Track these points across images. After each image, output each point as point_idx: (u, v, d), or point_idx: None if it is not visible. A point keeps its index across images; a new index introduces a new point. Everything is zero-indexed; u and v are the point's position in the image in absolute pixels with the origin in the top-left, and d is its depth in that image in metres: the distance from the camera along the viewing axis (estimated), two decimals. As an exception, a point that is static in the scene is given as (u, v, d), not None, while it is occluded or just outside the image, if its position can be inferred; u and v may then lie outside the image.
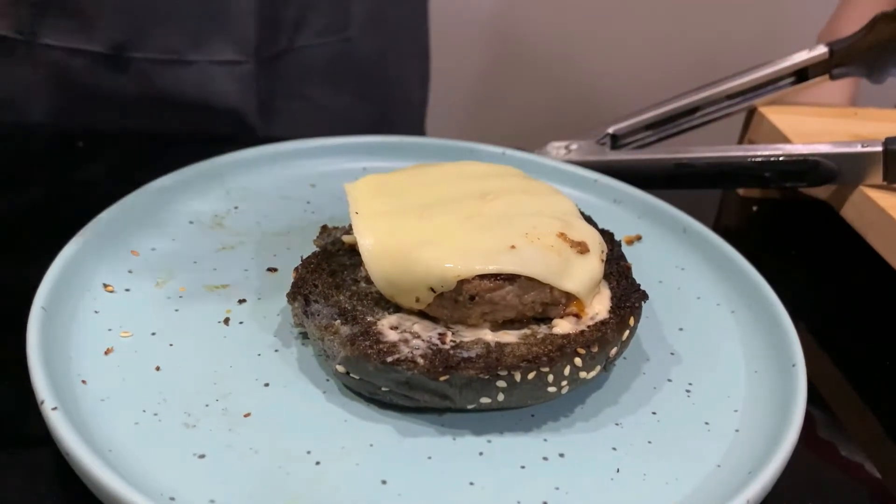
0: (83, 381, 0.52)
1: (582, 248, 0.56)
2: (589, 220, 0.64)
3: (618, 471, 0.50)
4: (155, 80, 0.93)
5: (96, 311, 0.58)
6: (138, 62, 0.92)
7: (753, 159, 0.77)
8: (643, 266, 0.69)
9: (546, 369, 0.51)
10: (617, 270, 0.60)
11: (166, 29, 0.91)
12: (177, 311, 0.59)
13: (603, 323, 0.55)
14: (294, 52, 0.99)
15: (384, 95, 1.12)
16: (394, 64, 1.12)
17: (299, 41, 0.99)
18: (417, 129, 1.21)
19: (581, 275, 0.55)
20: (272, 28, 0.96)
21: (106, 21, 0.89)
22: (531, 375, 0.51)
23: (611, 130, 0.86)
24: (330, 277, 0.58)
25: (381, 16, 1.06)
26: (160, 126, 0.95)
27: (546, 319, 0.55)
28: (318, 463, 0.49)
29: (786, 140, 0.82)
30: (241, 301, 0.61)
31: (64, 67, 0.91)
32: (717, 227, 0.73)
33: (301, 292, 0.57)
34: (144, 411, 0.51)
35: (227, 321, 0.59)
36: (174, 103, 0.95)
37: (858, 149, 0.74)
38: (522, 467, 0.50)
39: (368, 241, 0.54)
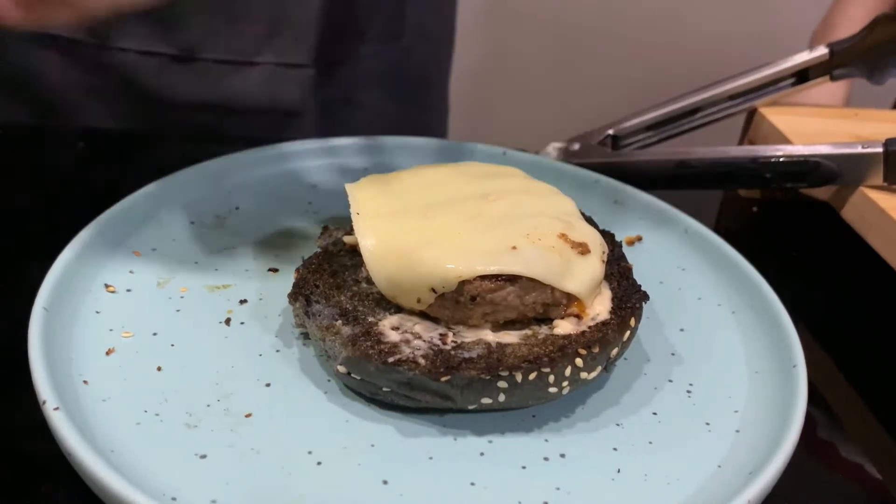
0: (85, 382, 0.52)
1: (583, 249, 0.56)
2: (590, 220, 0.64)
3: (619, 471, 0.50)
4: (221, 81, 0.96)
5: (98, 312, 0.58)
6: (206, 63, 0.94)
7: (754, 160, 0.77)
8: (644, 266, 0.69)
9: (547, 370, 0.51)
10: (618, 271, 0.60)
11: (235, 31, 0.93)
12: (178, 311, 0.60)
13: (604, 324, 0.55)
14: (355, 60, 1.02)
15: (430, 101, 1.16)
16: (437, 69, 1.16)
17: (361, 49, 1.01)
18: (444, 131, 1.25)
19: (582, 276, 0.55)
20: (334, 35, 0.98)
21: (182, 24, 0.91)
22: (532, 376, 0.51)
23: (611, 131, 0.86)
24: (331, 278, 0.58)
25: (428, 24, 1.09)
26: (220, 128, 0.97)
27: (547, 320, 0.55)
28: (319, 463, 0.49)
29: (786, 141, 0.82)
30: (243, 301, 0.61)
31: (132, 69, 0.93)
32: (718, 228, 0.73)
33: (302, 293, 0.57)
34: (146, 411, 0.51)
35: (228, 321, 0.59)
36: (237, 105, 0.97)
37: (859, 150, 0.74)
38: (523, 467, 0.50)
39: (370, 241, 0.54)
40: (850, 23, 0.87)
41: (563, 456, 0.51)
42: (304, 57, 0.97)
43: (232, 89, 0.96)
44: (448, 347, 0.52)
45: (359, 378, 0.52)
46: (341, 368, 0.52)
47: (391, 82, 1.06)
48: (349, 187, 0.62)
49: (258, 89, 0.97)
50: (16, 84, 0.94)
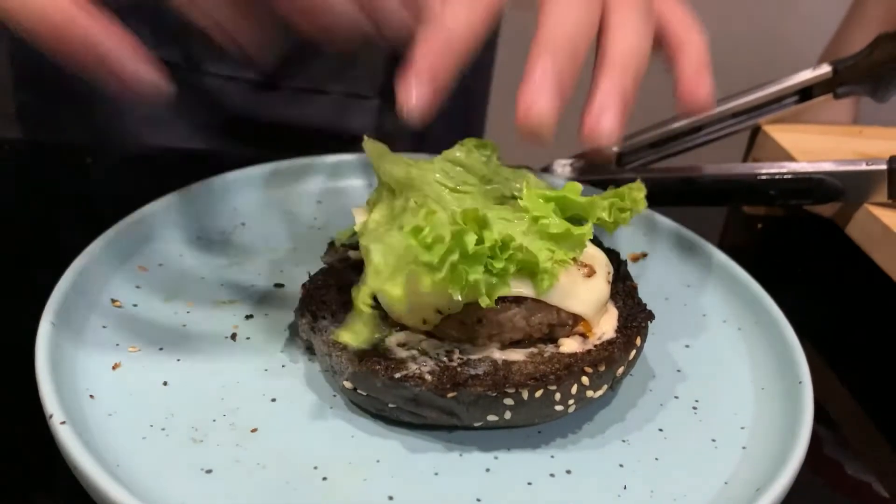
0: (91, 396, 0.52)
1: (589, 271, 0.56)
2: (595, 239, 0.64)
3: (625, 487, 0.50)
4: (295, 108, 1.02)
5: (104, 326, 0.58)
6: (284, 91, 1.01)
7: (758, 177, 0.77)
8: (649, 283, 0.70)
9: (553, 387, 0.51)
10: (623, 290, 0.60)
11: (313, 62, 0.99)
12: (184, 326, 0.60)
13: (610, 342, 0.55)
14: None
15: (475, 126, 1.23)
16: (485, 98, 1.25)
17: None
18: None
19: (588, 296, 0.55)
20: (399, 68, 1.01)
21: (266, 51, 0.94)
22: (539, 394, 0.51)
23: (616, 148, 0.86)
24: (337, 294, 0.58)
25: (482, 55, 1.13)
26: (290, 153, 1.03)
27: (554, 338, 0.55)
28: (325, 478, 0.49)
29: (790, 158, 0.82)
30: (249, 316, 0.61)
31: (217, 92, 0.99)
32: (723, 245, 0.73)
33: (309, 308, 0.57)
34: (152, 426, 0.51)
35: (234, 336, 0.59)
36: (308, 129, 1.02)
37: (863, 167, 0.74)
38: (529, 484, 0.50)
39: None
40: (856, 46, 0.87)
41: (569, 472, 0.51)
42: (370, 89, 1.03)
43: (304, 116, 1.02)
44: (454, 364, 0.52)
45: (365, 394, 0.52)
46: (347, 384, 0.52)
47: (453, 113, 1.11)
48: (355, 210, 0.62)
49: (325, 118, 1.03)
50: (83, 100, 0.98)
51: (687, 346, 0.63)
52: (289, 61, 0.99)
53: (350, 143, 0.99)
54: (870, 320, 0.76)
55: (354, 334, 0.50)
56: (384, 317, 0.55)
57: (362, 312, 0.49)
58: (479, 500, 0.48)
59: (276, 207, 0.76)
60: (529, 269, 0.52)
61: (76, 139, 0.97)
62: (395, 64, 0.97)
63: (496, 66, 1.88)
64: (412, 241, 0.47)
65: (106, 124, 0.99)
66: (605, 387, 0.54)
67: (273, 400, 0.54)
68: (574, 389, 0.52)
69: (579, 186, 0.58)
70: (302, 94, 1.02)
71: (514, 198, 0.59)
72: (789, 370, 0.59)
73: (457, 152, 0.63)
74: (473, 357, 0.53)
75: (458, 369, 0.51)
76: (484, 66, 1.19)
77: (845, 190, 0.75)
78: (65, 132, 1.01)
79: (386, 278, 0.50)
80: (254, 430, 0.51)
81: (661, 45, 0.66)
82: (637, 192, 0.57)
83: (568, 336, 0.55)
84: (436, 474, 0.50)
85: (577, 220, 0.58)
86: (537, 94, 0.53)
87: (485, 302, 0.49)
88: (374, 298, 0.54)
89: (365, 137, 0.67)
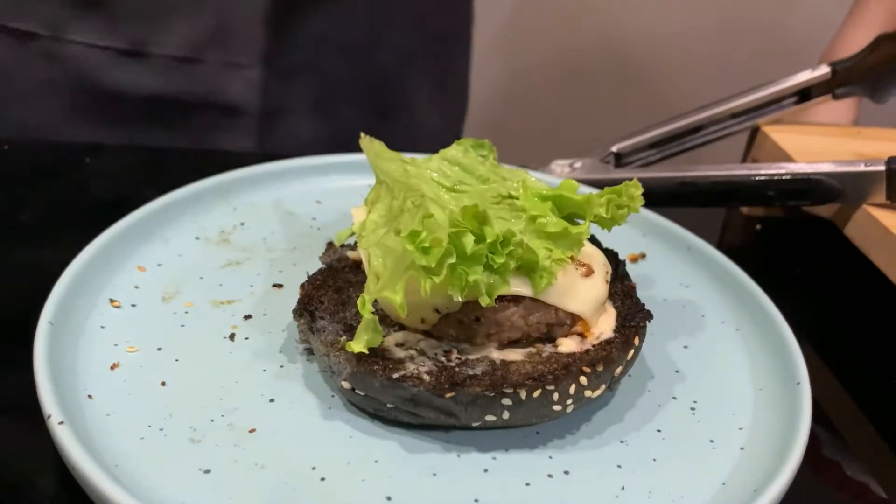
0: (89, 396, 0.52)
1: (587, 270, 0.56)
2: (593, 238, 0.65)
3: (623, 488, 0.50)
4: (169, 78, 0.97)
5: (103, 326, 0.58)
6: (156, 59, 0.96)
7: (757, 178, 0.77)
8: (648, 284, 0.70)
9: (551, 387, 0.51)
10: (621, 290, 0.61)
11: (183, 27, 0.95)
12: (183, 326, 0.60)
13: (608, 342, 0.55)
14: (315, 68, 1.02)
15: (401, 119, 1.15)
16: (413, 89, 1.15)
17: (322, 57, 1.02)
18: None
19: (586, 296, 0.55)
20: (286, 38, 0.99)
21: (126, 13, 0.93)
22: (537, 393, 0.51)
23: (615, 149, 0.86)
24: (336, 294, 0.58)
25: (407, 40, 1.09)
26: (164, 127, 0.98)
27: (552, 338, 0.55)
28: (323, 479, 0.49)
29: (789, 159, 0.82)
30: (247, 317, 0.61)
31: (84, 63, 0.94)
32: (721, 246, 0.74)
33: (307, 308, 0.57)
34: (150, 426, 0.51)
35: (232, 337, 0.59)
36: (183, 103, 0.98)
37: (862, 168, 0.74)
38: (527, 484, 0.50)
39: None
40: (855, 47, 0.87)
41: (567, 473, 0.51)
42: (249, 57, 0.98)
43: (179, 86, 0.98)
44: (452, 364, 0.52)
45: (363, 394, 0.52)
46: (346, 384, 0.52)
47: (361, 96, 1.07)
48: (353, 210, 0.62)
49: (203, 87, 0.99)
50: None
51: (685, 347, 0.63)
52: (158, 25, 0.94)
53: (230, 115, 0.97)
54: (868, 321, 0.76)
55: (364, 342, 0.50)
56: (382, 317, 0.55)
57: (368, 319, 0.49)
58: (476, 500, 0.48)
59: (274, 208, 0.76)
60: (528, 268, 0.52)
61: None
62: (279, 28, 0.95)
63: (500, 67, 1.88)
64: (409, 245, 0.47)
65: (18, 116, 0.97)
66: (604, 387, 0.54)
67: (271, 400, 0.54)
68: (572, 389, 0.52)
69: (576, 184, 0.58)
70: (174, 62, 0.97)
71: (512, 197, 0.59)
72: (787, 371, 0.59)
73: (454, 151, 0.64)
74: (471, 357, 0.53)
75: (457, 369, 0.51)
76: (403, 48, 1.12)
77: (844, 191, 0.75)
78: None
79: (385, 283, 0.50)
80: (252, 431, 0.51)
81: None
82: (634, 189, 0.57)
83: (566, 336, 0.55)
84: (434, 475, 0.50)
85: (575, 220, 0.59)
86: None
87: (485, 301, 0.49)
88: (374, 301, 0.54)
89: (362, 135, 0.67)
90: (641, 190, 0.58)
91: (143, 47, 0.95)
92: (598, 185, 0.81)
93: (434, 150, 0.64)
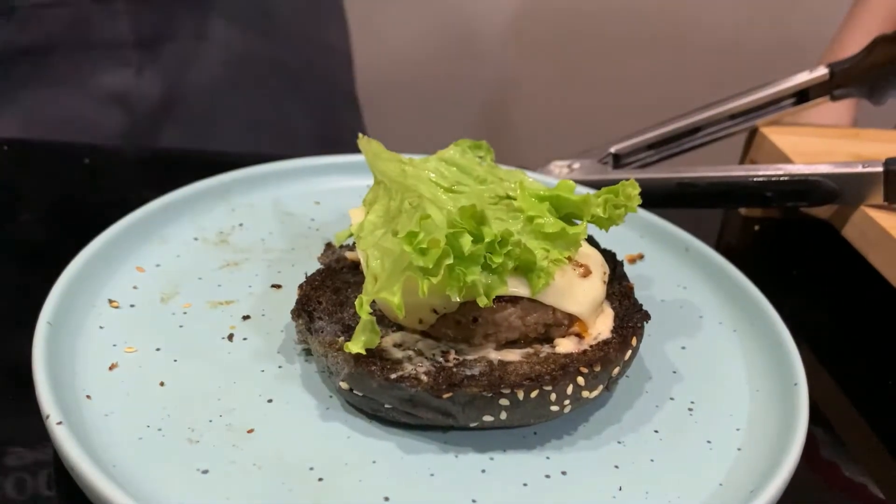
0: (88, 396, 0.52)
1: (584, 271, 0.56)
2: (591, 239, 0.65)
3: (620, 489, 0.50)
4: (41, 27, 0.96)
5: (101, 327, 0.58)
6: (18, 11, 0.95)
7: (755, 179, 0.77)
8: (645, 284, 0.70)
9: (549, 388, 0.51)
10: (619, 291, 0.61)
11: None
12: (181, 327, 0.60)
13: (605, 343, 0.55)
14: None
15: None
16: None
17: None
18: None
19: (583, 296, 0.55)
20: None
21: None
22: (534, 394, 0.51)
23: (613, 150, 0.87)
24: (334, 295, 0.59)
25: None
26: (49, 79, 0.98)
27: (549, 338, 0.55)
28: (320, 479, 0.49)
29: (787, 160, 0.82)
30: (246, 317, 0.61)
31: None
32: (719, 247, 0.74)
33: (305, 309, 0.57)
34: (148, 426, 0.51)
35: (231, 337, 0.59)
36: (60, 49, 0.98)
37: (859, 169, 0.74)
38: (525, 485, 0.50)
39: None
40: (855, 48, 0.87)
41: (564, 473, 0.51)
42: None
43: (53, 32, 0.97)
44: (450, 365, 0.52)
45: (361, 394, 0.52)
46: (343, 385, 0.52)
47: (239, 15, 1.08)
48: (352, 211, 0.62)
49: (73, 30, 0.98)
50: None
51: (683, 348, 0.63)
52: None
53: (110, 50, 0.97)
54: (866, 322, 0.76)
55: (362, 343, 0.50)
56: (380, 317, 0.56)
57: (366, 321, 0.50)
58: (474, 500, 0.49)
59: (273, 208, 0.76)
60: (525, 269, 0.53)
61: None
62: None
63: (508, 71, 1.88)
64: (407, 247, 0.47)
65: None
66: (601, 387, 0.54)
67: (269, 401, 0.54)
68: (570, 390, 0.52)
69: (573, 184, 0.58)
70: (39, 10, 0.96)
71: (509, 198, 0.59)
72: (785, 372, 0.59)
73: (451, 152, 0.64)
74: (469, 357, 0.53)
75: (454, 370, 0.52)
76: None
77: (841, 192, 0.75)
78: None
79: (383, 285, 0.50)
80: (250, 431, 0.51)
81: None
82: (631, 189, 0.58)
83: (564, 336, 0.55)
84: (431, 475, 0.50)
85: (572, 220, 0.59)
86: None
87: (483, 301, 0.49)
88: (372, 302, 0.54)
89: (360, 136, 0.67)
90: (638, 189, 0.58)
91: (7, 1, 0.94)
92: (597, 186, 0.80)
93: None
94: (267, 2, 1.12)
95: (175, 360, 0.56)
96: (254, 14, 1.10)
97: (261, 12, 1.11)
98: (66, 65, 0.99)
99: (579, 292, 0.55)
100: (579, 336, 0.55)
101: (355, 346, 0.49)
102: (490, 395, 0.50)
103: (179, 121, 1.06)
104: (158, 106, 1.05)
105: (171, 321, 0.60)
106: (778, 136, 0.87)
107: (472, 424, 0.52)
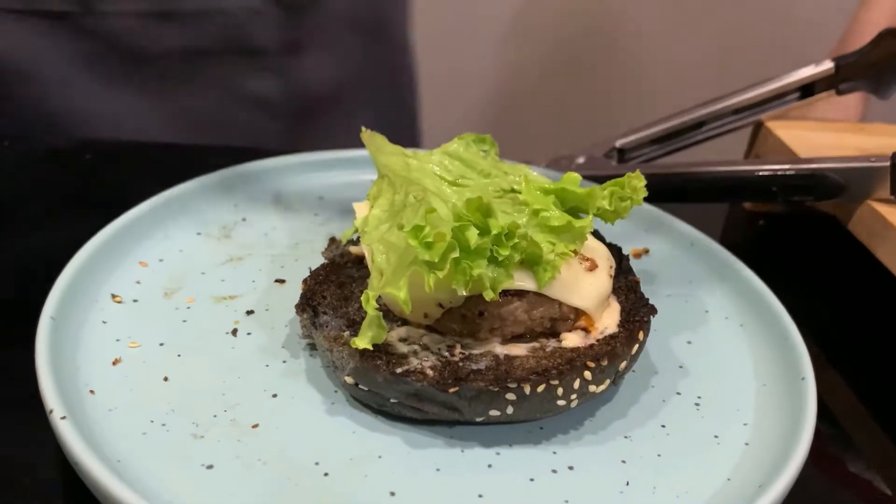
0: (91, 391, 0.52)
1: (591, 265, 0.56)
2: (596, 233, 0.64)
3: (627, 484, 0.50)
4: (197, 31, 1.01)
5: (104, 322, 0.58)
6: (182, 16, 1.00)
7: (760, 173, 0.77)
8: (651, 279, 0.69)
9: (555, 382, 0.51)
10: (625, 284, 0.60)
11: None
12: (185, 321, 0.59)
13: (612, 337, 0.55)
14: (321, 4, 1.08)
15: (393, 43, 1.23)
16: (396, 11, 1.22)
17: None
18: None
19: (590, 290, 0.55)
20: None
21: None
22: (541, 388, 0.50)
23: (618, 144, 0.86)
24: (338, 289, 0.58)
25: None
26: (195, 80, 1.02)
27: (555, 333, 0.55)
28: (326, 474, 0.48)
29: (792, 154, 0.82)
30: (249, 312, 0.61)
31: (116, 32, 0.98)
32: (724, 241, 0.73)
33: (310, 304, 0.57)
34: (152, 422, 0.50)
35: (234, 332, 0.59)
36: (211, 53, 1.02)
37: (866, 163, 0.74)
38: (531, 480, 0.50)
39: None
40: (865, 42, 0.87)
41: (571, 468, 0.51)
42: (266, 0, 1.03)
43: (205, 37, 1.01)
44: (456, 359, 0.52)
45: (366, 389, 0.52)
46: (349, 379, 0.52)
47: (353, 24, 1.13)
48: (356, 206, 0.62)
49: (229, 35, 1.03)
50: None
51: (689, 343, 0.63)
52: None
53: (254, 57, 1.02)
54: (872, 317, 0.76)
55: (369, 338, 0.50)
56: (385, 312, 0.55)
57: (372, 316, 0.49)
58: (480, 496, 0.48)
59: (276, 203, 0.76)
60: (531, 262, 0.52)
61: None
62: None
63: (502, 63, 1.89)
64: (413, 241, 0.47)
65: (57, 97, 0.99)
66: (608, 381, 0.54)
67: (274, 396, 0.54)
68: (576, 384, 0.51)
69: (578, 177, 0.58)
70: (198, 16, 1.00)
71: (514, 191, 0.59)
72: (792, 366, 0.59)
73: (455, 146, 0.63)
74: (475, 352, 0.53)
75: (460, 364, 0.51)
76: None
77: (847, 186, 0.74)
78: None
79: (389, 280, 0.50)
80: (255, 426, 0.51)
81: None
82: (637, 181, 0.57)
83: (570, 330, 0.55)
84: (437, 470, 0.50)
85: (578, 214, 0.58)
86: None
87: (489, 295, 0.49)
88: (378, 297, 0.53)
89: (363, 129, 0.67)
90: (644, 182, 0.57)
91: (170, 6, 0.98)
92: (601, 180, 0.80)
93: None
94: (378, 10, 1.18)
95: (179, 356, 0.56)
96: (371, 23, 1.17)
97: (375, 21, 1.18)
98: (217, 69, 1.04)
99: (585, 286, 0.54)
100: (586, 330, 0.55)
101: (362, 342, 0.49)
102: (496, 389, 0.50)
103: (316, 124, 1.12)
104: (298, 110, 1.10)
105: (175, 316, 0.60)
106: (783, 130, 0.86)
107: (479, 419, 0.51)
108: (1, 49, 0.96)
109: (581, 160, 0.85)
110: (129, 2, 0.97)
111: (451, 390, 0.49)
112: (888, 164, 0.72)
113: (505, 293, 0.52)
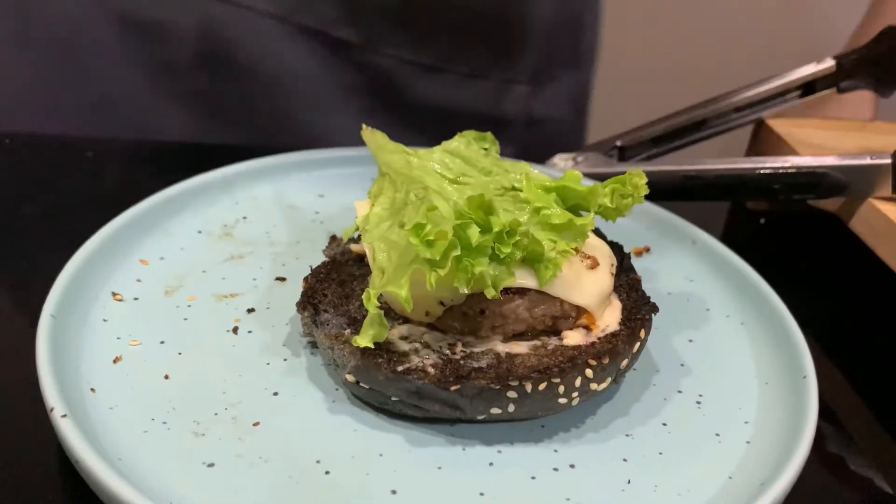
0: (92, 390, 0.52)
1: (592, 262, 0.56)
2: (597, 232, 0.64)
3: (629, 482, 0.50)
4: (458, 92, 1.07)
5: (105, 320, 0.58)
6: (450, 75, 1.06)
7: (762, 171, 0.77)
8: (652, 278, 0.69)
9: (557, 380, 0.51)
10: (627, 283, 0.60)
11: (481, 49, 1.05)
12: (185, 319, 0.59)
13: (614, 335, 0.54)
14: (555, 81, 1.14)
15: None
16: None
17: (559, 72, 1.14)
18: None
19: (591, 288, 0.54)
20: (549, 58, 1.11)
21: (434, 33, 1.02)
22: (542, 386, 0.50)
23: (619, 143, 0.86)
24: (339, 287, 0.58)
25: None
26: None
27: (557, 331, 0.55)
28: (327, 472, 0.48)
29: (794, 152, 0.82)
30: (250, 310, 0.61)
31: (389, 74, 1.04)
32: (726, 239, 0.73)
33: (311, 302, 0.56)
34: (153, 420, 0.50)
35: (235, 330, 0.59)
36: (465, 115, 1.07)
37: (867, 161, 0.73)
38: (533, 478, 0.50)
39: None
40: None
41: (572, 466, 0.51)
42: (523, 75, 1.08)
43: (463, 99, 1.07)
44: (457, 357, 0.52)
45: (367, 387, 0.52)
46: (350, 377, 0.52)
47: (574, 104, 1.19)
48: (357, 203, 0.62)
49: (484, 101, 1.08)
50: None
51: (690, 341, 0.63)
52: (457, 45, 1.02)
53: (500, 126, 1.04)
54: (874, 315, 0.76)
55: (370, 336, 0.49)
56: (387, 310, 0.55)
57: (373, 314, 0.49)
58: (482, 494, 0.48)
59: (277, 201, 0.76)
60: (533, 260, 0.52)
61: (74, 129, 0.97)
62: (553, 51, 0.99)
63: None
64: (414, 239, 0.47)
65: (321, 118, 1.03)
66: (609, 380, 0.53)
67: (275, 394, 0.54)
68: (578, 382, 0.51)
69: (579, 175, 0.58)
70: (466, 79, 1.06)
71: (515, 189, 0.59)
72: (793, 365, 0.59)
73: (456, 143, 0.63)
74: (476, 350, 0.53)
75: (461, 362, 0.51)
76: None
77: (849, 184, 0.74)
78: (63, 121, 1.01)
79: (390, 278, 0.50)
80: (256, 424, 0.51)
81: None
82: (638, 178, 0.57)
83: (571, 328, 0.54)
84: (439, 468, 0.50)
85: (579, 212, 0.58)
86: None
87: (490, 293, 0.49)
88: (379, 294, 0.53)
89: (364, 127, 0.67)
90: (645, 179, 0.57)
91: (443, 64, 1.04)
92: (602, 179, 0.80)
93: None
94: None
95: (180, 354, 0.56)
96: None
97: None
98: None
99: (587, 284, 0.54)
100: (587, 328, 0.55)
101: (363, 340, 0.49)
102: (498, 387, 0.50)
103: None
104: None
105: (176, 314, 0.60)
106: (784, 128, 0.86)
107: (480, 417, 0.51)
108: (276, 63, 1.00)
109: (582, 158, 0.85)
110: (407, 50, 1.02)
111: (453, 388, 0.49)
112: (889, 162, 0.72)
113: (506, 291, 0.52)
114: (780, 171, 0.76)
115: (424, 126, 1.05)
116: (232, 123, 1.03)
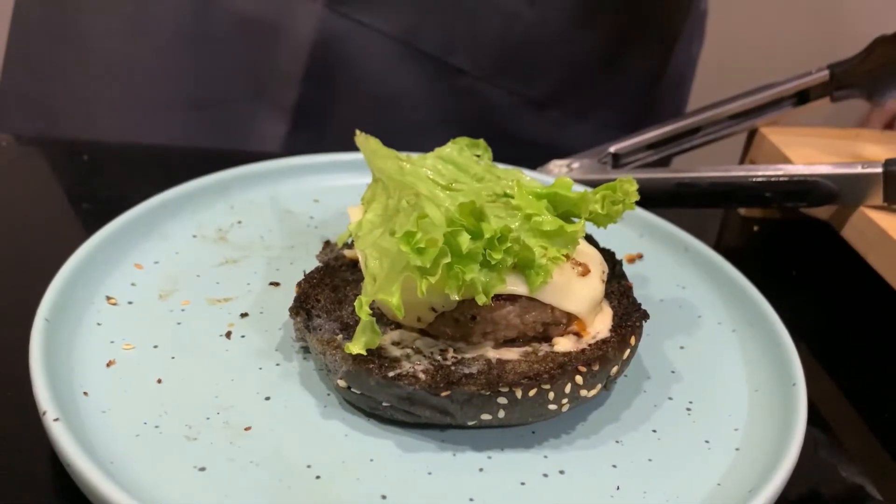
0: (85, 393, 0.52)
1: (583, 269, 0.56)
2: (590, 238, 0.65)
3: (618, 488, 0.50)
4: (555, 130, 1.09)
5: (99, 324, 0.58)
6: (554, 111, 1.08)
7: (755, 179, 0.77)
8: (644, 284, 0.70)
9: (547, 386, 0.51)
10: (618, 289, 0.61)
11: (584, 91, 1.08)
12: (179, 324, 0.60)
13: (604, 341, 0.55)
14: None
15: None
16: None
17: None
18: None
19: (582, 295, 0.55)
20: (646, 109, 1.14)
21: (545, 72, 1.06)
22: (532, 392, 0.51)
23: (613, 149, 0.86)
24: (332, 292, 0.58)
25: None
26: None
27: (548, 337, 0.55)
28: (318, 477, 0.49)
29: (787, 161, 0.82)
30: (244, 315, 0.61)
31: (494, 106, 1.05)
32: (718, 247, 0.74)
33: (304, 307, 0.57)
34: (146, 423, 0.51)
35: (229, 335, 0.59)
36: (553, 152, 1.05)
37: (859, 170, 0.74)
38: (522, 484, 0.50)
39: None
40: None
41: (562, 472, 0.51)
42: (620, 120, 1.10)
43: (557, 137, 1.08)
44: (448, 363, 0.52)
45: (359, 392, 0.52)
46: (341, 382, 0.52)
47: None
48: (350, 209, 0.62)
49: (581, 142, 1.06)
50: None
51: (681, 348, 0.63)
52: (568, 83, 1.04)
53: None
54: (865, 323, 0.76)
55: (363, 343, 0.50)
56: (378, 315, 0.55)
57: (365, 322, 0.49)
58: (471, 499, 0.48)
59: (272, 206, 0.76)
60: (524, 266, 0.52)
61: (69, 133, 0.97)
62: (652, 102, 1.05)
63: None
64: (404, 247, 0.47)
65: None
66: (599, 386, 0.54)
67: (267, 398, 0.54)
68: (568, 388, 0.52)
69: (570, 181, 0.58)
70: (567, 118, 1.07)
71: (507, 196, 0.59)
72: (783, 372, 0.59)
73: (448, 150, 0.64)
74: (467, 356, 0.53)
75: (452, 368, 0.51)
76: None
77: (841, 193, 0.75)
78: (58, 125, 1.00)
79: (382, 285, 0.50)
80: (247, 429, 0.51)
81: None
82: (629, 185, 0.57)
83: (562, 335, 0.55)
84: (429, 473, 0.50)
85: (570, 219, 0.59)
86: None
87: (481, 299, 0.49)
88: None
89: (357, 133, 0.67)
90: (636, 186, 0.58)
91: (550, 102, 1.06)
92: (595, 185, 0.81)
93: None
94: None
95: (173, 358, 0.56)
96: None
97: None
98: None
99: (578, 291, 0.55)
100: (578, 335, 0.55)
101: (356, 347, 0.49)
102: (488, 393, 0.50)
103: None
104: None
105: (170, 318, 0.60)
106: (778, 136, 0.87)
107: (470, 423, 0.52)
108: (384, 83, 1.01)
109: (576, 165, 0.85)
110: (519, 83, 1.03)
111: (443, 394, 0.50)
112: (881, 170, 0.73)
113: (497, 297, 0.53)
114: (773, 179, 0.77)
115: (520, 161, 1.05)
116: (324, 138, 1.02)
